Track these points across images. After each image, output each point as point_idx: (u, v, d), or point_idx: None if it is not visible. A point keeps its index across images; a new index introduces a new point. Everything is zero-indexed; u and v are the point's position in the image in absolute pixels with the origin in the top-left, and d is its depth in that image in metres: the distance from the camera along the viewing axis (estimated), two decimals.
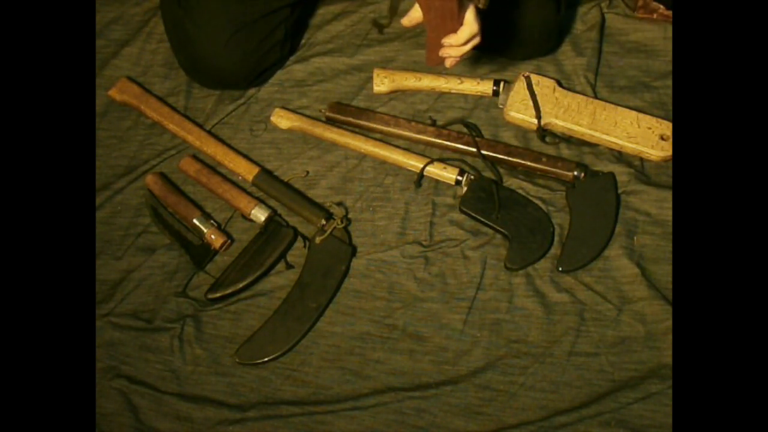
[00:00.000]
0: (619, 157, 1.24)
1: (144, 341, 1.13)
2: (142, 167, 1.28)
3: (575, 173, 1.20)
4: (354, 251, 1.18)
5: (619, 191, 1.19)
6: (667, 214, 1.17)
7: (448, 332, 1.11)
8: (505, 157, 1.23)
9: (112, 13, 1.45)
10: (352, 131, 1.28)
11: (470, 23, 1.04)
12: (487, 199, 1.19)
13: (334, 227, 1.18)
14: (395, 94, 1.33)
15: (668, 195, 1.18)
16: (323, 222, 1.19)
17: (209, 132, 1.30)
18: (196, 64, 1.29)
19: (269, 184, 1.24)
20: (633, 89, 1.31)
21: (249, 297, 1.16)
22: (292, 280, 1.16)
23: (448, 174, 1.22)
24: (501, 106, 1.29)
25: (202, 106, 1.35)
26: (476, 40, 1.07)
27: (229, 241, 1.20)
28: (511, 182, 1.23)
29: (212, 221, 1.21)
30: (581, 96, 1.27)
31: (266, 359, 1.10)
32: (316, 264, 1.16)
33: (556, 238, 1.17)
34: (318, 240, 1.17)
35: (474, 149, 1.24)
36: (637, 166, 1.23)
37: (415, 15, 1.07)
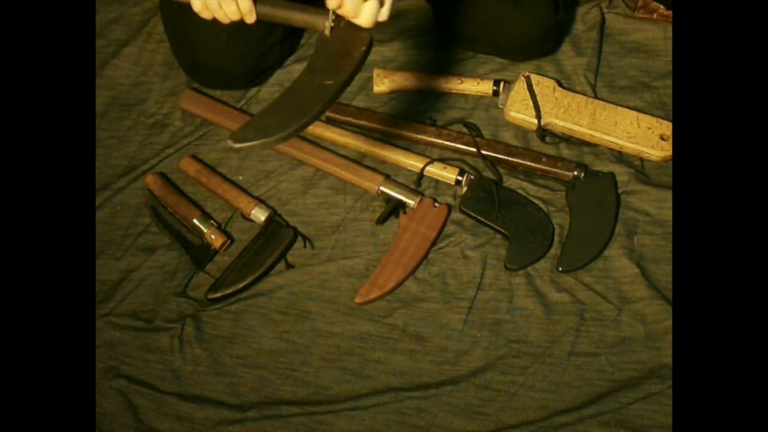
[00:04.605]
0: (619, 157, 1.24)
1: (144, 341, 1.13)
2: (142, 167, 1.28)
3: (575, 173, 1.20)
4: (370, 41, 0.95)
5: (619, 191, 1.19)
6: (667, 214, 1.17)
7: (448, 332, 1.11)
8: (505, 157, 1.23)
9: (112, 13, 1.45)
10: (352, 131, 1.28)
11: None
12: (487, 199, 1.19)
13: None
14: (395, 94, 1.33)
15: (668, 195, 1.18)
16: (331, 17, 0.95)
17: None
18: (196, 63, 1.29)
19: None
20: (633, 89, 1.31)
21: (249, 297, 1.16)
22: (293, 280, 1.16)
23: (448, 174, 1.22)
24: (501, 106, 1.29)
25: None
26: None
27: (229, 241, 1.20)
28: (511, 182, 1.23)
29: (212, 221, 1.21)
30: (581, 96, 1.27)
31: (264, 140, 0.89)
32: (329, 52, 0.97)
33: (556, 238, 1.17)
34: (327, 32, 0.96)
35: (474, 149, 1.23)
36: (637, 166, 1.23)
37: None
